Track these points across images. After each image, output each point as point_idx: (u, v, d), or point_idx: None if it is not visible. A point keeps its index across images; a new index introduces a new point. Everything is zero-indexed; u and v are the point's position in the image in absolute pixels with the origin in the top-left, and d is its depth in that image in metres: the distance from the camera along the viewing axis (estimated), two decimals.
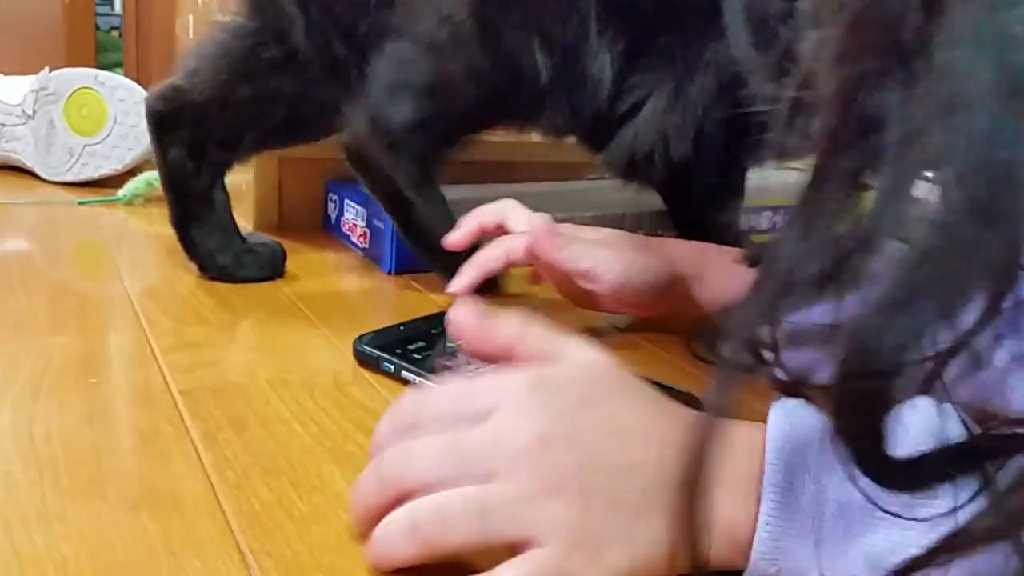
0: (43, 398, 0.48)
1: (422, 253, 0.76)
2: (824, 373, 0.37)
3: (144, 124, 0.90)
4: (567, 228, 0.66)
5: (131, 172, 0.95)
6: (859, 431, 0.29)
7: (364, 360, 0.56)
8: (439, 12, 0.67)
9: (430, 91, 0.68)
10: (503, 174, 1.05)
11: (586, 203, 0.95)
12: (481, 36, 0.67)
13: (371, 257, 0.83)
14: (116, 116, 0.94)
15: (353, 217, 0.87)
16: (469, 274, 0.66)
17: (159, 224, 0.88)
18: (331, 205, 0.92)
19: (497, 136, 1.10)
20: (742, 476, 0.33)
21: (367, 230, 0.84)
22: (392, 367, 0.54)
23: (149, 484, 0.40)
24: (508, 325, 0.40)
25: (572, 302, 0.69)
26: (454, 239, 0.68)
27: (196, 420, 0.47)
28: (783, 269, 0.29)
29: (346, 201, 0.88)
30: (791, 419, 0.34)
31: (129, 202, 0.91)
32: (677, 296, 0.63)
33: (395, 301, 0.74)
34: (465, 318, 0.41)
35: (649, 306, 0.65)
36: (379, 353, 0.55)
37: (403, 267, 0.80)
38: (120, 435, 0.45)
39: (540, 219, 0.65)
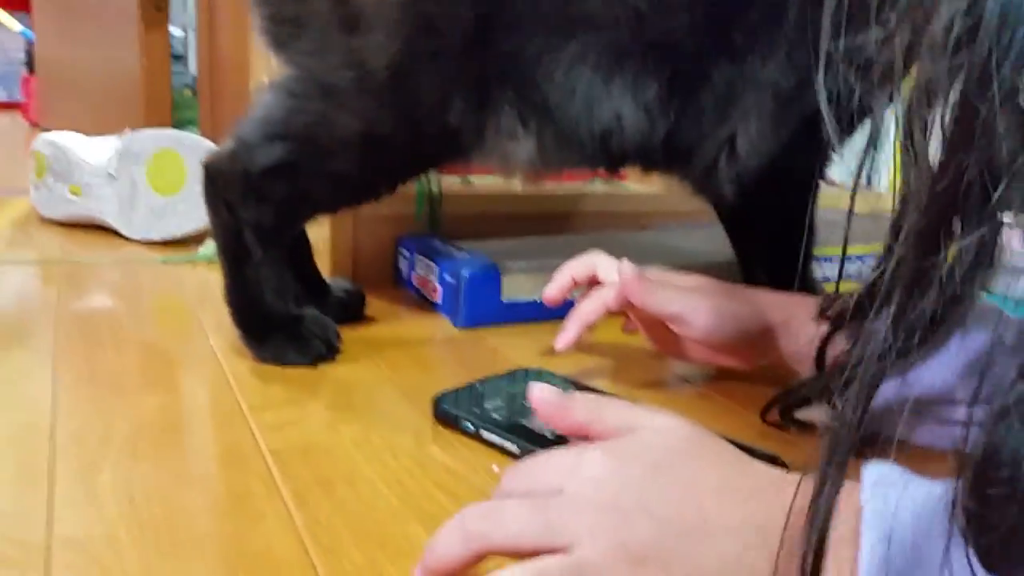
0: (140, 459, 0.50)
1: (241, 310, 0.69)
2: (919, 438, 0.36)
3: None
4: (657, 273, 0.67)
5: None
6: (991, 537, 0.28)
7: (444, 419, 0.57)
8: (348, 52, 0.65)
9: (307, 141, 0.66)
10: (566, 224, 1.07)
11: (654, 253, 0.95)
12: (392, 90, 0.65)
13: (443, 311, 0.85)
14: (196, 175, 0.98)
15: (424, 272, 0.89)
16: (572, 329, 0.67)
17: None
18: (403, 260, 0.94)
19: (560, 188, 1.11)
20: (835, 540, 0.33)
21: (438, 285, 0.86)
22: (472, 427, 0.55)
23: (246, 545, 0.42)
24: (585, 405, 0.41)
25: (661, 350, 0.69)
26: (550, 294, 0.70)
27: (286, 480, 0.48)
28: (879, 347, 0.29)
29: (417, 256, 0.90)
30: (887, 495, 0.33)
31: (210, 260, 0.94)
32: (764, 346, 0.63)
33: (467, 356, 0.75)
34: (544, 397, 0.42)
35: (736, 355, 0.65)
36: (458, 412, 0.56)
37: (475, 322, 0.81)
38: (216, 495, 0.47)
39: (628, 265, 0.65)
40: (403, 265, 0.94)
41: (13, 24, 2.54)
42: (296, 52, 0.67)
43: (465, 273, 0.81)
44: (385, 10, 0.63)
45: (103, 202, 1.04)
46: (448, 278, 0.84)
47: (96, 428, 0.54)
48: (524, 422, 0.55)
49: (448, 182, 1.00)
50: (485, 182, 1.09)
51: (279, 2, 0.66)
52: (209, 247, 0.95)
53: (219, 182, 0.66)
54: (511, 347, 0.76)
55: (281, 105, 0.66)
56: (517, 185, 1.11)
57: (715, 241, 1.03)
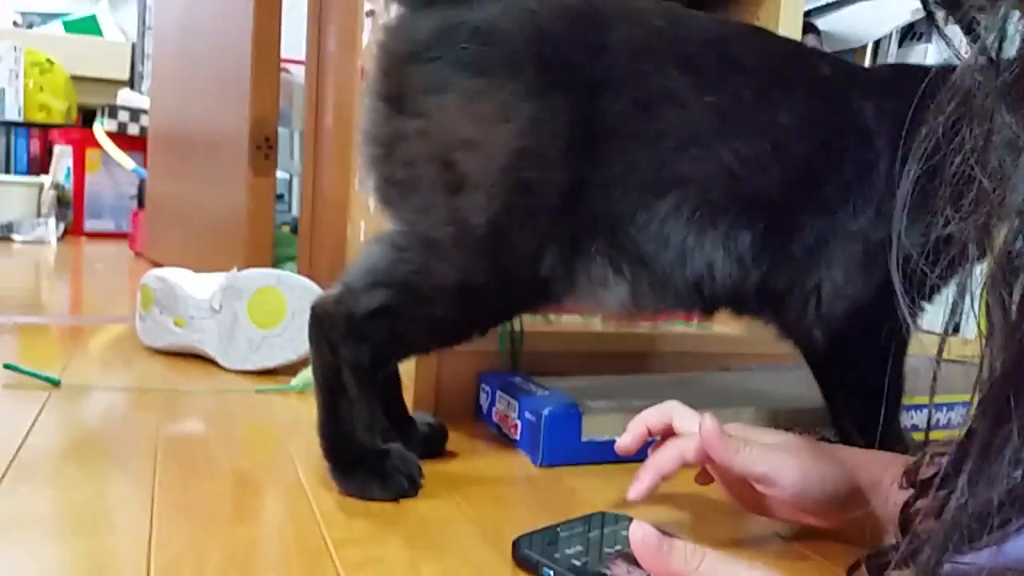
0: None
1: (331, 443, 0.71)
2: None
3: None
4: (738, 429, 0.66)
5: (303, 362, 1.03)
6: None
7: (524, 563, 0.57)
8: (452, 210, 0.69)
9: (408, 288, 0.70)
10: (647, 363, 1.07)
11: (737, 395, 0.95)
12: (488, 244, 0.69)
13: (523, 448, 0.85)
14: (294, 312, 1.04)
15: (505, 408, 0.90)
16: (645, 479, 0.66)
17: None
18: (483, 395, 0.95)
19: (641, 327, 1.13)
20: None
21: (518, 422, 0.87)
22: (551, 573, 0.55)
23: None
24: (682, 555, 0.42)
25: (742, 506, 0.67)
26: (624, 443, 0.69)
27: None
28: (959, 515, 0.29)
29: (498, 393, 0.92)
30: None
31: (301, 391, 0.98)
32: (853, 507, 0.61)
33: (546, 496, 0.75)
34: (644, 538, 0.43)
35: (825, 516, 0.63)
36: (539, 558, 0.56)
37: (554, 461, 0.82)
38: None
39: (710, 420, 0.64)
40: (484, 401, 0.95)
41: (127, 162, 2.76)
42: (403, 209, 0.72)
43: (545, 411, 0.82)
44: (488, 176, 0.68)
45: (204, 334, 1.09)
46: (528, 415, 0.85)
47: (189, 558, 0.55)
48: (603, 570, 0.55)
49: (530, 320, 1.03)
50: (566, 320, 1.11)
51: (392, 166, 0.71)
52: (301, 378, 0.99)
53: (325, 323, 0.70)
54: (590, 488, 0.75)
55: (385, 255, 0.71)
56: (598, 324, 1.13)
57: (800, 385, 1.02)
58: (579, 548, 0.58)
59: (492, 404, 0.93)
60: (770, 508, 0.65)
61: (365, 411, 0.70)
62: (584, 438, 0.84)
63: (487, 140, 0.68)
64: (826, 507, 0.61)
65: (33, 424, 0.82)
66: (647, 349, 1.08)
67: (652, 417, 0.70)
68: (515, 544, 0.58)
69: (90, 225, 3.01)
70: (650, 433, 0.69)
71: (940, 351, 0.41)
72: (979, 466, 0.30)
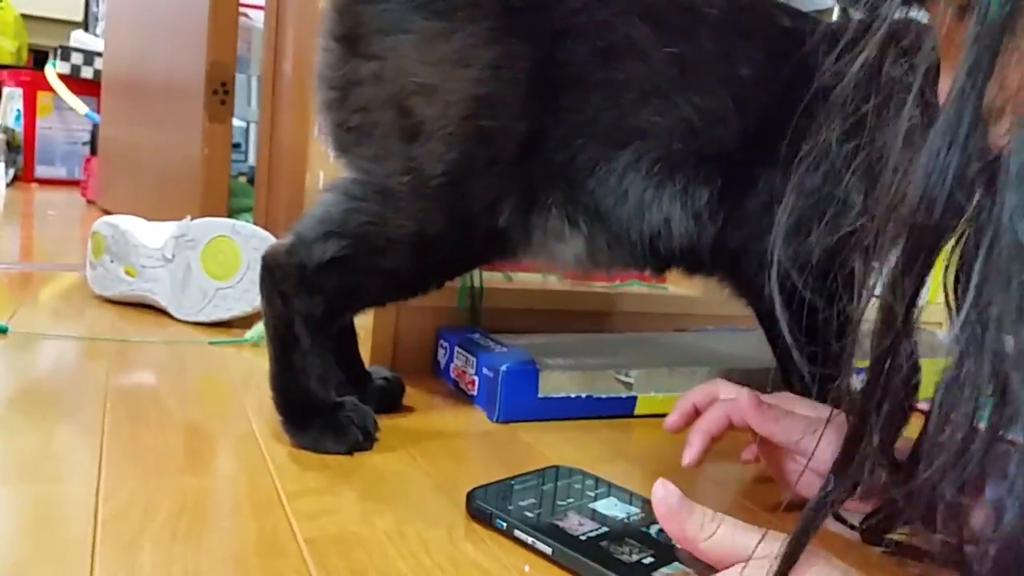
0: (180, 539, 0.51)
1: (284, 396, 0.70)
2: None
3: None
4: (780, 398, 0.65)
5: (257, 315, 1.02)
6: None
7: (477, 515, 0.57)
8: (407, 159, 0.68)
9: (362, 239, 0.69)
10: (604, 323, 1.08)
11: (691, 356, 0.96)
12: (445, 195, 0.68)
13: (479, 404, 0.86)
14: (249, 263, 1.02)
15: (462, 364, 0.90)
16: (696, 443, 0.65)
17: None
18: (441, 351, 0.95)
19: (599, 287, 1.13)
20: None
21: (475, 378, 0.87)
22: (504, 524, 0.55)
23: None
24: (698, 521, 0.44)
25: (782, 481, 0.66)
26: (672, 422, 0.69)
27: (321, 571, 0.49)
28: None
29: (456, 349, 0.92)
30: None
31: (256, 343, 0.97)
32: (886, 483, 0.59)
33: (502, 450, 0.75)
34: (665, 498, 0.46)
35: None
36: (492, 509, 0.56)
37: (511, 417, 0.82)
38: None
39: (748, 392, 0.64)
40: (442, 356, 0.95)
41: (80, 106, 2.67)
42: (358, 157, 0.70)
43: (503, 367, 0.83)
44: (445, 123, 0.67)
45: (156, 283, 1.07)
46: (486, 371, 0.85)
47: (138, 506, 0.55)
48: (557, 522, 0.55)
49: (489, 277, 1.03)
50: (526, 278, 1.11)
51: (346, 111, 0.70)
52: (255, 331, 0.98)
53: (276, 273, 0.69)
54: (545, 444, 0.76)
55: (339, 204, 0.70)
56: (557, 282, 1.13)
57: (752, 346, 1.04)
58: (532, 500, 0.58)
59: (450, 360, 0.93)
60: (809, 483, 0.61)
61: (318, 363, 0.69)
62: (540, 395, 0.84)
63: (445, 86, 0.67)
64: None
65: None
66: (605, 308, 1.09)
67: (699, 395, 0.69)
68: (469, 496, 0.58)
69: (41, 171, 2.92)
70: (696, 411, 0.68)
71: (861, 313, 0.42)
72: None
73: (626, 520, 0.57)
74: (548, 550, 0.52)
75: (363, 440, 0.69)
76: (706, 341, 1.05)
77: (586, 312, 1.07)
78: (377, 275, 0.71)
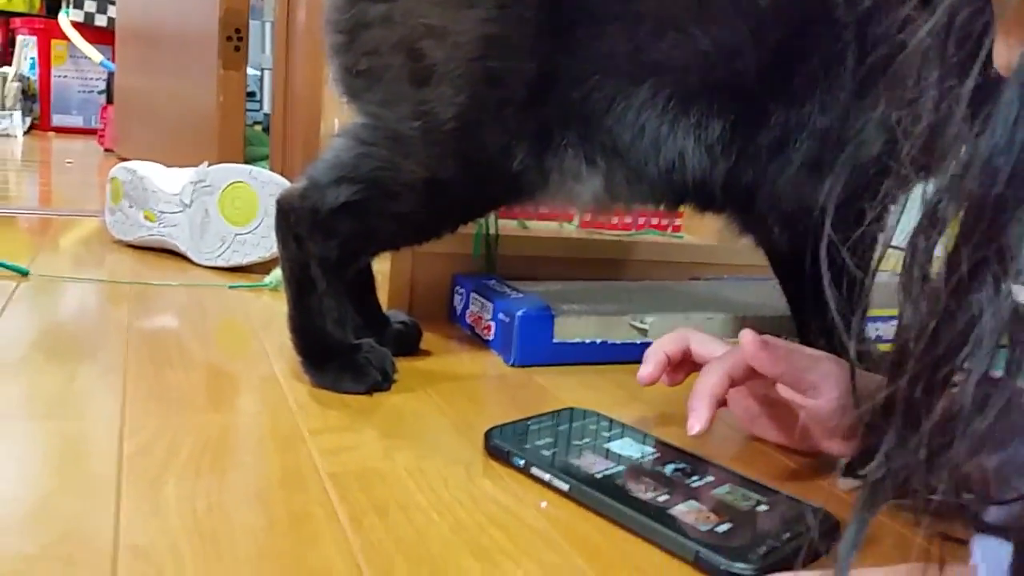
0: (204, 475, 0.52)
1: (302, 338, 0.72)
2: None
3: None
4: (779, 342, 0.61)
5: (275, 260, 1.02)
6: None
7: (495, 453, 0.58)
8: (418, 103, 0.67)
9: (375, 184, 0.69)
10: (619, 271, 1.08)
11: (705, 304, 0.96)
12: (457, 139, 0.67)
13: (495, 349, 0.86)
14: (266, 208, 1.02)
15: (478, 310, 0.91)
16: (703, 409, 0.60)
17: None
18: (457, 297, 0.96)
19: (614, 235, 1.13)
20: None
21: (492, 323, 0.87)
22: (522, 462, 0.56)
23: (304, 564, 0.43)
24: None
25: (789, 443, 0.65)
26: (647, 373, 0.65)
27: (343, 503, 0.50)
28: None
29: (472, 294, 0.92)
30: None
31: (275, 288, 0.98)
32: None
33: (518, 393, 0.76)
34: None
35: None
36: (510, 448, 0.57)
37: (526, 361, 0.83)
38: (275, 514, 0.48)
39: (750, 332, 0.61)
40: (458, 302, 0.96)
41: (95, 55, 2.66)
42: (368, 102, 0.70)
43: (519, 313, 0.83)
44: (454, 65, 0.66)
45: (175, 228, 1.08)
46: (502, 317, 0.85)
47: (162, 443, 0.56)
48: (573, 461, 0.56)
49: (505, 224, 1.03)
50: (541, 226, 1.11)
51: (355, 55, 0.69)
52: (274, 276, 0.99)
53: (291, 217, 0.69)
54: (560, 387, 0.77)
55: (351, 150, 0.70)
56: (572, 231, 1.13)
57: (767, 295, 1.04)
58: (549, 440, 0.59)
59: (466, 306, 0.93)
60: (813, 438, 0.61)
61: (335, 306, 0.70)
62: (556, 340, 0.85)
63: (453, 27, 0.66)
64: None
65: (0, 313, 0.82)
66: (620, 256, 1.09)
67: (668, 344, 0.66)
68: (487, 435, 0.59)
69: (57, 120, 2.92)
70: (669, 361, 0.66)
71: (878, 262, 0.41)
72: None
73: (641, 459, 0.58)
74: (565, 487, 0.53)
75: (382, 381, 0.70)
76: (721, 289, 1.05)
77: (601, 260, 1.07)
78: (390, 219, 0.71)
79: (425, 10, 0.66)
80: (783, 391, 0.60)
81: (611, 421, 0.64)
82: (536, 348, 0.84)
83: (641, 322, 0.89)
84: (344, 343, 0.71)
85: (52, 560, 0.42)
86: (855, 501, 0.35)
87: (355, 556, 0.44)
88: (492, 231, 0.99)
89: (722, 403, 0.62)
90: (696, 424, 0.59)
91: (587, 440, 0.60)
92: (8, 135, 2.67)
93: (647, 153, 0.70)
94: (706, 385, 0.61)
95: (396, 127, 0.68)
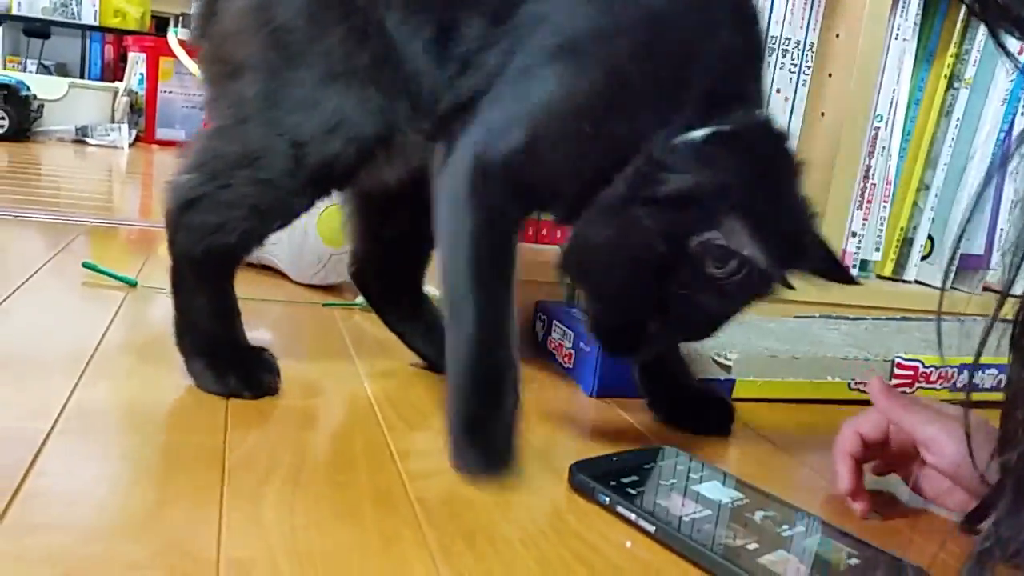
0: (301, 489, 0.54)
1: (181, 338, 0.72)
2: None
3: None
4: (907, 397, 0.64)
5: None
6: None
7: (579, 488, 0.59)
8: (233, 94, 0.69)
9: (210, 173, 0.69)
10: None
11: (795, 342, 0.95)
12: (263, 118, 0.67)
13: (574, 377, 0.87)
14: None
15: (560, 338, 0.91)
16: (846, 472, 0.61)
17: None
18: (539, 324, 0.97)
19: None
20: None
21: (572, 351, 0.88)
22: (607, 499, 0.57)
23: None
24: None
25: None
26: (846, 486, 0.62)
27: (431, 529, 0.51)
28: None
29: (554, 322, 0.93)
30: None
31: (366, 308, 1.00)
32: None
33: (597, 424, 0.77)
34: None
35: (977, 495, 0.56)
36: (595, 484, 0.58)
37: (606, 391, 0.83)
38: (368, 535, 0.50)
39: (878, 379, 0.64)
40: (539, 329, 0.97)
41: (198, 71, 2.78)
42: (208, 105, 0.73)
43: None
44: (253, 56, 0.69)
45: (276, 246, 1.12)
46: (582, 345, 0.86)
47: (262, 457, 0.58)
48: (661, 502, 0.56)
49: None
50: None
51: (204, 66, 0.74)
52: None
53: (167, 218, 0.71)
54: (642, 421, 0.77)
55: (198, 143, 0.72)
56: None
57: (859, 336, 1.02)
58: (635, 478, 0.59)
59: (548, 333, 0.94)
60: (922, 484, 0.62)
61: (208, 304, 0.71)
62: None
63: (249, 28, 0.68)
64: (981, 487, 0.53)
65: (111, 322, 0.86)
66: None
67: (849, 444, 0.63)
68: (572, 470, 0.60)
69: (161, 133, 3.06)
70: (859, 462, 0.63)
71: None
72: None
73: (730, 504, 0.57)
74: (651, 528, 0.53)
75: (243, 388, 0.69)
76: (810, 328, 1.04)
77: None
78: (229, 206, 0.69)
79: (229, 23, 0.70)
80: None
81: (702, 463, 0.64)
82: (617, 379, 0.84)
83: (725, 358, 0.88)
84: (227, 342, 0.72)
85: (158, 569, 0.44)
86: (962, 566, 0.35)
87: None
88: None
89: (860, 457, 0.63)
90: (845, 487, 0.61)
91: (675, 481, 0.60)
92: (115, 147, 2.81)
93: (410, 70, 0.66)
94: (842, 448, 0.63)
95: (221, 118, 0.71)
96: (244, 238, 0.71)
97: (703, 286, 0.60)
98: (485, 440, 0.60)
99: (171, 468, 0.57)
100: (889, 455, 0.64)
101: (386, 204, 0.81)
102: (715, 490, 0.59)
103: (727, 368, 0.88)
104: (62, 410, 0.62)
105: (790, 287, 0.64)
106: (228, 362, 0.71)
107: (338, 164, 0.67)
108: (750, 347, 0.91)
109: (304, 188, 0.69)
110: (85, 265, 1.02)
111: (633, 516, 0.55)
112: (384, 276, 0.85)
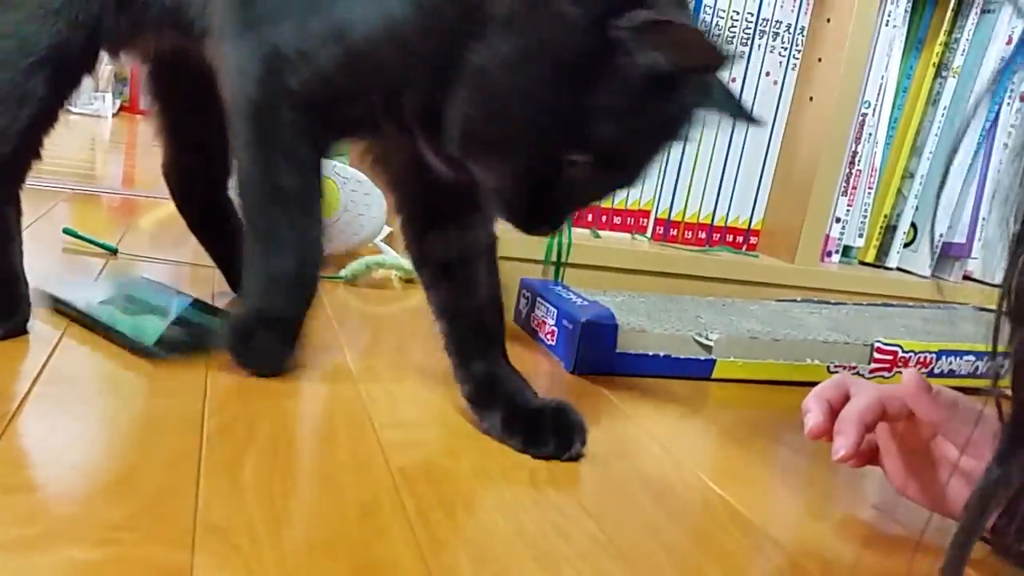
0: (280, 456, 0.54)
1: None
2: None
3: (371, 211, 0.99)
4: (944, 389, 0.56)
5: (352, 255, 1.06)
6: None
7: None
8: None
9: None
10: (687, 287, 1.08)
11: (776, 324, 0.95)
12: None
13: (556, 354, 0.87)
14: (346, 204, 1.05)
15: (543, 315, 0.91)
16: (851, 433, 0.55)
17: (373, 303, 0.97)
18: (523, 301, 0.97)
19: (686, 250, 1.12)
20: None
21: (555, 328, 0.88)
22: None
23: (373, 554, 0.45)
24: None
25: (905, 487, 0.58)
26: (816, 426, 0.57)
27: (410, 498, 0.51)
28: None
29: (537, 299, 0.93)
30: None
31: (349, 281, 1.00)
32: None
33: (579, 401, 0.77)
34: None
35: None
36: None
37: (587, 369, 0.83)
38: (347, 502, 0.50)
39: (915, 374, 0.55)
40: (523, 305, 0.97)
41: None
42: None
43: (582, 320, 0.84)
44: None
45: None
46: (565, 323, 0.86)
47: (241, 424, 0.58)
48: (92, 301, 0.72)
49: (577, 233, 1.04)
50: (612, 236, 1.12)
51: None
52: (350, 269, 1.01)
53: None
54: (623, 399, 0.77)
55: None
56: (644, 244, 1.13)
57: (840, 319, 1.03)
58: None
59: (531, 310, 0.95)
60: (942, 494, 0.56)
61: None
62: (618, 349, 0.85)
63: None
64: None
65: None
66: (691, 272, 1.08)
67: (829, 391, 0.59)
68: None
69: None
70: (832, 410, 0.58)
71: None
72: None
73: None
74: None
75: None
76: (791, 311, 1.04)
77: (671, 274, 1.07)
78: None
79: None
80: (938, 445, 0.56)
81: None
82: (598, 357, 0.84)
83: (706, 338, 0.89)
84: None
85: (135, 531, 0.44)
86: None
87: (421, 550, 0.45)
88: (564, 240, 1.00)
89: (870, 429, 0.57)
90: (841, 448, 0.55)
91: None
92: (99, 116, 2.77)
93: None
94: (859, 410, 0.56)
95: None
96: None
97: (631, 90, 0.53)
98: (267, 339, 0.67)
99: (149, 432, 0.57)
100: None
101: (189, 105, 0.79)
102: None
103: (708, 348, 0.89)
104: (40, 373, 0.61)
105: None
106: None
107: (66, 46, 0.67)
108: (731, 328, 0.91)
109: (35, 66, 0.67)
110: (65, 231, 1.01)
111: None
112: (186, 178, 0.84)
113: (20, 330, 0.67)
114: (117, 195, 1.50)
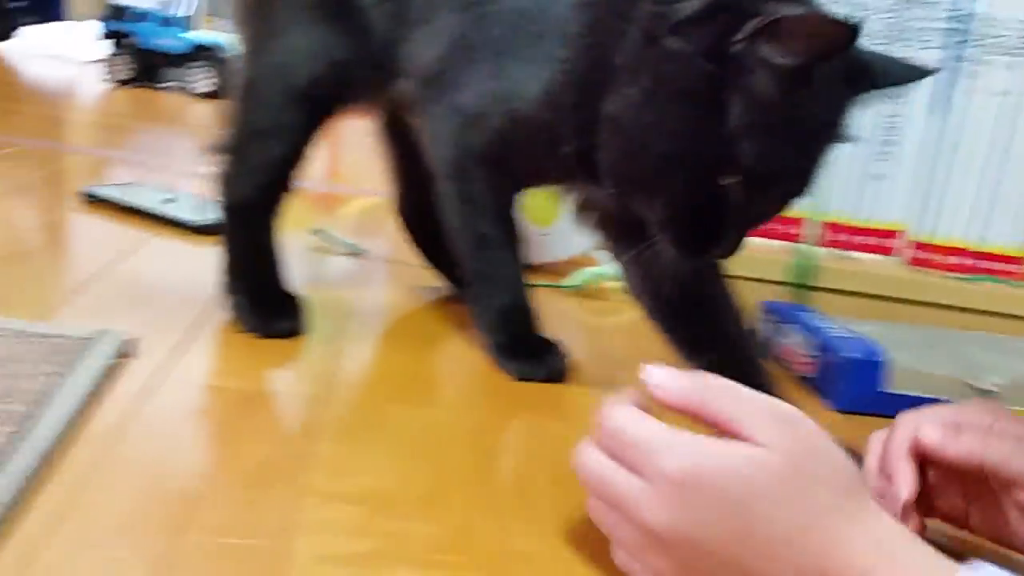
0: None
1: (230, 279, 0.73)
2: None
3: None
4: (985, 411, 0.52)
5: (574, 262, 1.03)
6: None
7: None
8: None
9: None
10: (945, 318, 0.97)
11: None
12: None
13: (817, 388, 0.79)
14: (566, 213, 1.01)
15: (794, 343, 0.84)
16: (907, 475, 0.50)
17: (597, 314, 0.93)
18: (767, 326, 0.89)
19: (947, 278, 1.01)
20: None
21: (813, 360, 0.80)
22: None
23: None
24: (694, 385, 0.43)
25: (942, 518, 0.53)
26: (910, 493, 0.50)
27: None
28: None
29: (787, 325, 0.85)
30: None
31: (574, 289, 0.97)
32: None
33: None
34: (658, 373, 0.44)
35: None
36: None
37: (851, 408, 0.75)
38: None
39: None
40: (766, 330, 0.89)
41: None
42: None
43: (851, 355, 0.76)
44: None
45: None
46: (829, 356, 0.78)
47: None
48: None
49: (825, 255, 0.95)
50: (864, 259, 1.02)
51: None
52: (573, 277, 0.98)
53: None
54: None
55: None
56: (898, 267, 1.03)
57: None
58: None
59: (776, 335, 0.87)
60: (1002, 525, 0.51)
61: (253, 252, 0.74)
62: (884, 389, 0.76)
63: None
64: None
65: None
66: (951, 302, 0.97)
67: (901, 437, 0.53)
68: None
69: None
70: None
71: None
72: None
73: None
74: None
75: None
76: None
77: (928, 303, 0.96)
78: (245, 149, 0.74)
79: None
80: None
81: None
82: (863, 395, 0.76)
83: (989, 384, 0.78)
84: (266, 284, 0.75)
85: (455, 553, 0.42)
86: None
87: None
88: (813, 261, 0.92)
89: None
90: (906, 492, 0.49)
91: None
92: None
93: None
94: (898, 448, 0.52)
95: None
96: (263, 175, 0.74)
97: (761, 100, 0.54)
98: (524, 354, 0.72)
99: (440, 446, 0.54)
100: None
101: (412, 154, 0.81)
102: None
103: (988, 394, 0.78)
104: None
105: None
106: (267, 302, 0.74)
107: (320, 83, 0.72)
108: (1017, 371, 0.80)
109: (294, 104, 0.73)
110: (315, 231, 1.03)
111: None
112: (415, 215, 0.89)
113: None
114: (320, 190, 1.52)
